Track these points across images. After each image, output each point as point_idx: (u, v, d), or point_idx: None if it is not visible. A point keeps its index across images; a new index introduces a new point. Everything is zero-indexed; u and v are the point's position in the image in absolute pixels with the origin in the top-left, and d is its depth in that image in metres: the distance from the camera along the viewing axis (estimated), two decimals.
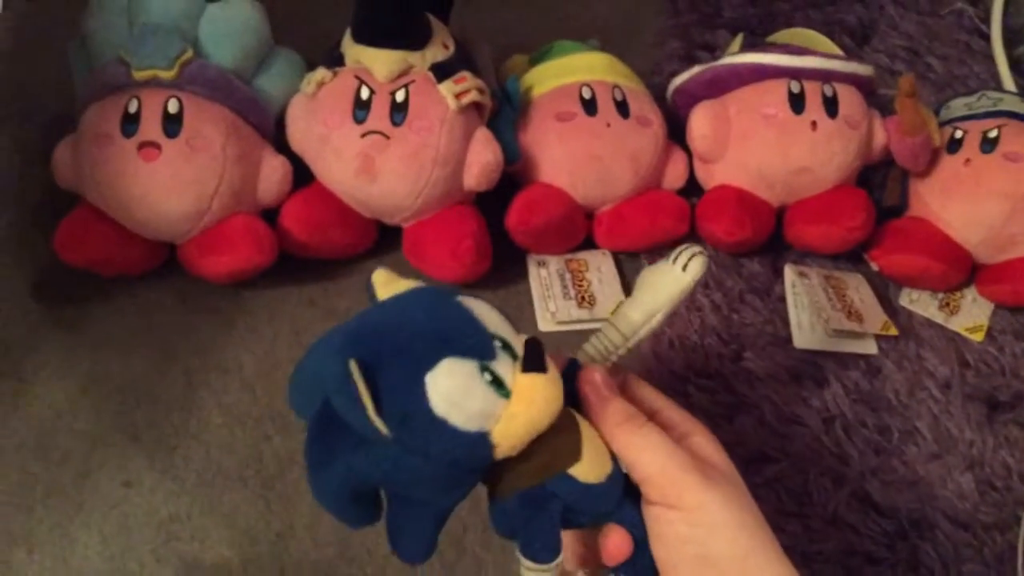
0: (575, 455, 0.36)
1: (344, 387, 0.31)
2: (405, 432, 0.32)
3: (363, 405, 0.31)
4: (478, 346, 0.34)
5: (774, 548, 0.36)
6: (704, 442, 0.39)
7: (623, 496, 0.38)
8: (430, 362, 0.32)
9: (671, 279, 0.41)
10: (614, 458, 0.38)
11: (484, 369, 0.33)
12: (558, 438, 0.36)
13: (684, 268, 0.41)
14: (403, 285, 0.37)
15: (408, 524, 0.36)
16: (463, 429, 0.33)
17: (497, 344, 0.34)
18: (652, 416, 0.39)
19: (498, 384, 0.33)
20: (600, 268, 0.73)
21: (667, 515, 0.36)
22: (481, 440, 0.33)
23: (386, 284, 0.37)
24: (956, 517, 0.63)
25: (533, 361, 0.34)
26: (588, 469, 0.36)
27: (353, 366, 0.31)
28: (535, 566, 0.36)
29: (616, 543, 0.38)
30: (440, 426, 0.32)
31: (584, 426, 0.38)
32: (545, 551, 0.36)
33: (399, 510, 0.36)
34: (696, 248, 0.41)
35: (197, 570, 0.58)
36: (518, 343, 0.35)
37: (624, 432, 0.37)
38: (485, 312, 0.35)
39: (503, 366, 0.34)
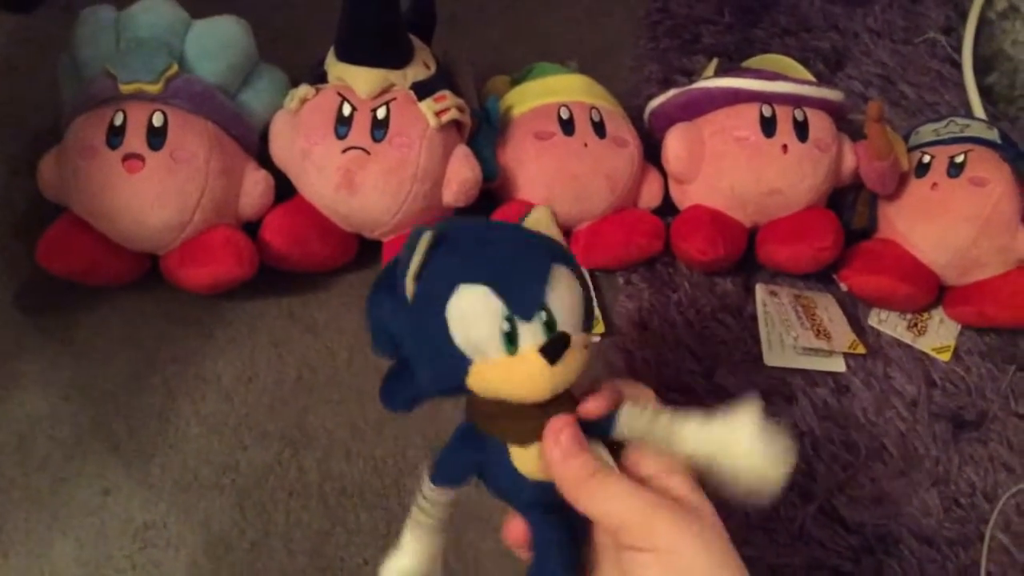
0: (524, 440, 0.39)
1: (411, 246, 0.37)
2: (416, 306, 0.37)
3: (409, 265, 0.37)
4: (522, 301, 0.37)
5: None
6: (682, 481, 0.39)
7: (537, 505, 0.40)
8: (473, 279, 0.36)
9: (752, 468, 0.38)
10: (548, 486, 0.39)
11: (508, 319, 0.36)
12: (525, 419, 0.39)
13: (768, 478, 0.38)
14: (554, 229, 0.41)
15: (399, 379, 0.41)
16: (453, 341, 0.37)
17: (541, 315, 0.37)
18: (634, 448, 0.40)
19: (510, 339, 0.36)
20: None
21: (641, 558, 0.36)
22: (460, 362, 0.37)
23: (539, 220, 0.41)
24: (921, 533, 0.65)
25: (547, 348, 0.37)
26: (523, 460, 0.39)
27: (427, 237, 0.37)
28: (429, 486, 0.40)
29: (512, 529, 0.41)
30: (438, 324, 0.37)
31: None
32: (444, 475, 0.40)
33: (398, 364, 0.41)
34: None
35: None
36: (569, 329, 0.38)
37: (589, 487, 0.37)
38: (565, 289, 0.38)
39: (529, 332, 0.37)
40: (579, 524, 0.40)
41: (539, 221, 0.41)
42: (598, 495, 0.37)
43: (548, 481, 0.39)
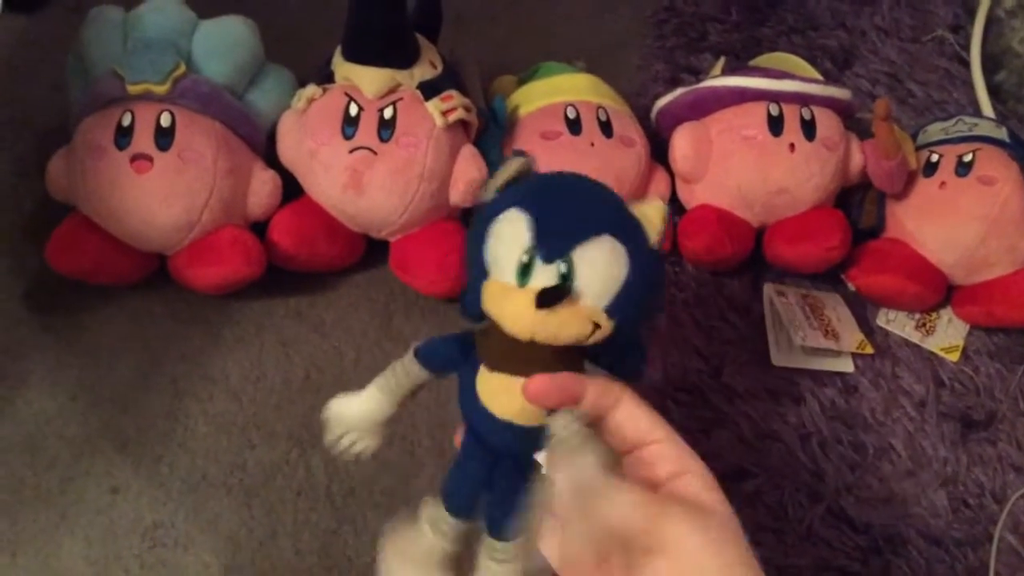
0: (492, 365, 0.40)
1: (501, 162, 0.41)
2: (481, 213, 0.40)
3: (496, 174, 0.40)
4: (548, 243, 0.37)
5: None
6: (693, 480, 0.38)
7: (478, 434, 0.42)
8: (522, 206, 0.38)
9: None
10: (493, 424, 0.40)
11: (528, 253, 0.37)
12: (504, 347, 0.40)
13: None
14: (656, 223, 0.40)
15: (471, 291, 0.41)
16: (485, 252, 0.39)
17: (562, 264, 0.37)
18: (644, 447, 0.39)
19: (523, 271, 0.38)
20: None
21: (655, 563, 0.35)
22: (482, 273, 0.40)
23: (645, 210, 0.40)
24: (929, 533, 0.65)
25: (542, 292, 0.37)
26: (484, 383, 0.41)
27: (519, 160, 0.40)
28: (410, 356, 0.43)
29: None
30: (483, 233, 0.39)
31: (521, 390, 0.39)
32: (425, 355, 0.43)
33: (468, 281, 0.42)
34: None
35: None
36: (584, 292, 0.37)
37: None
38: (602, 259, 0.37)
39: (543, 274, 0.37)
40: (520, 478, 0.42)
41: (645, 211, 0.40)
42: (607, 508, 0.36)
43: (496, 418, 0.40)
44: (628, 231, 0.39)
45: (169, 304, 0.71)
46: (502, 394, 0.40)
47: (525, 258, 0.37)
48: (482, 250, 0.39)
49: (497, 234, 0.39)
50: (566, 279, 0.37)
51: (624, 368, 0.43)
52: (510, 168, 0.40)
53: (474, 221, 0.41)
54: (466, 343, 0.42)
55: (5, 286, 0.71)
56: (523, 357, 0.39)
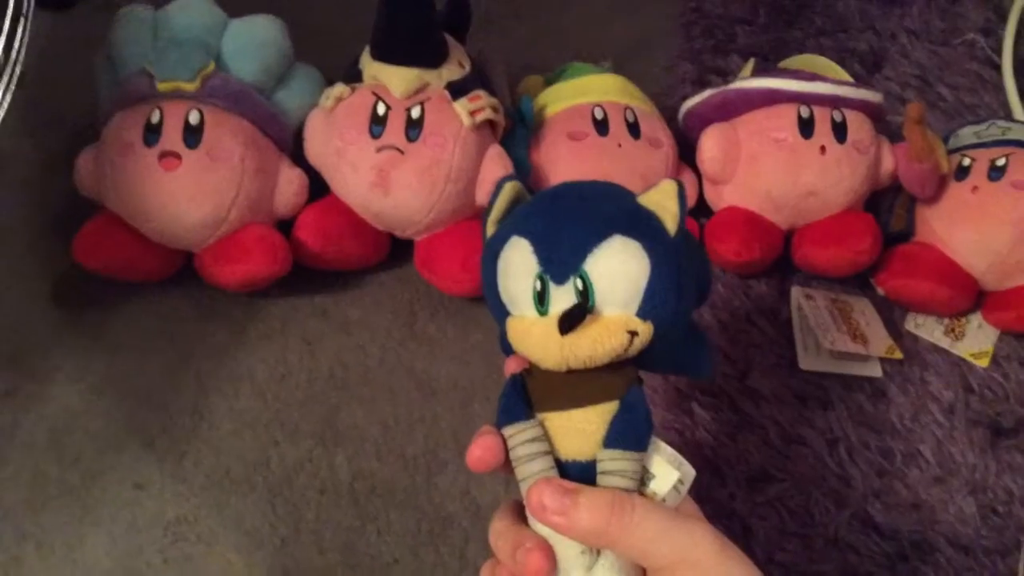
0: (540, 405, 0.38)
1: (496, 191, 0.39)
2: (485, 250, 0.39)
3: (490, 207, 0.39)
4: (554, 263, 0.36)
5: None
6: None
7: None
8: (523, 232, 0.36)
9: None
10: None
11: (540, 279, 0.36)
12: (550, 386, 0.37)
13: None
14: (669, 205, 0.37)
15: (502, 334, 0.40)
16: (499, 290, 0.38)
17: (576, 282, 0.35)
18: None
19: (540, 299, 0.36)
20: None
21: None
22: (502, 313, 0.38)
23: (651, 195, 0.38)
24: (957, 541, 0.64)
25: (563, 320, 0.35)
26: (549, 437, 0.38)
27: (508, 186, 0.39)
28: (503, 431, 0.38)
29: (481, 446, 0.38)
30: (492, 271, 0.38)
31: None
32: (503, 420, 0.38)
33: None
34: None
35: (202, 572, 0.59)
36: (609, 304, 0.35)
37: (617, 526, 0.34)
38: (616, 262, 0.35)
39: (561, 296, 0.35)
40: None
41: (655, 198, 0.37)
42: (634, 534, 0.34)
43: (563, 463, 0.37)
44: (639, 225, 0.36)
45: (195, 301, 0.71)
46: (559, 436, 0.37)
47: (538, 285, 0.35)
48: (496, 288, 0.37)
49: (504, 268, 0.37)
50: (586, 295, 0.35)
51: (690, 368, 0.40)
52: (502, 196, 0.38)
53: (482, 260, 0.38)
54: (519, 387, 0.39)
55: (32, 282, 0.71)
56: (569, 389, 0.37)
